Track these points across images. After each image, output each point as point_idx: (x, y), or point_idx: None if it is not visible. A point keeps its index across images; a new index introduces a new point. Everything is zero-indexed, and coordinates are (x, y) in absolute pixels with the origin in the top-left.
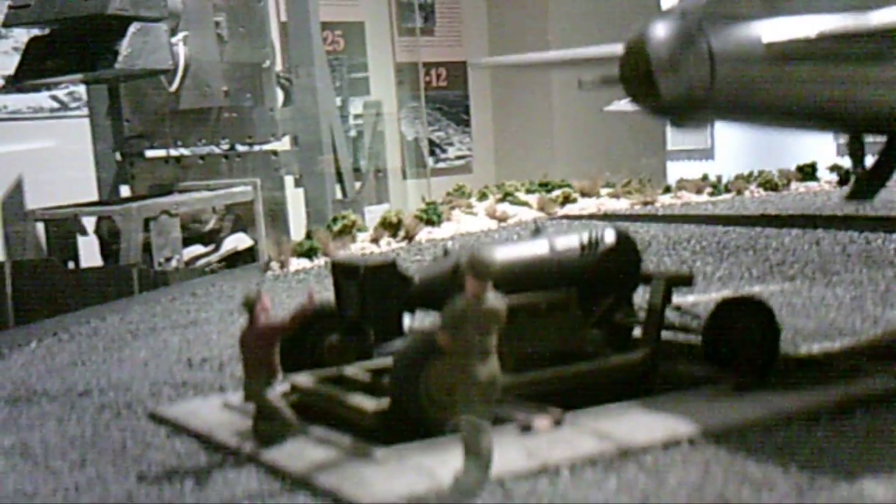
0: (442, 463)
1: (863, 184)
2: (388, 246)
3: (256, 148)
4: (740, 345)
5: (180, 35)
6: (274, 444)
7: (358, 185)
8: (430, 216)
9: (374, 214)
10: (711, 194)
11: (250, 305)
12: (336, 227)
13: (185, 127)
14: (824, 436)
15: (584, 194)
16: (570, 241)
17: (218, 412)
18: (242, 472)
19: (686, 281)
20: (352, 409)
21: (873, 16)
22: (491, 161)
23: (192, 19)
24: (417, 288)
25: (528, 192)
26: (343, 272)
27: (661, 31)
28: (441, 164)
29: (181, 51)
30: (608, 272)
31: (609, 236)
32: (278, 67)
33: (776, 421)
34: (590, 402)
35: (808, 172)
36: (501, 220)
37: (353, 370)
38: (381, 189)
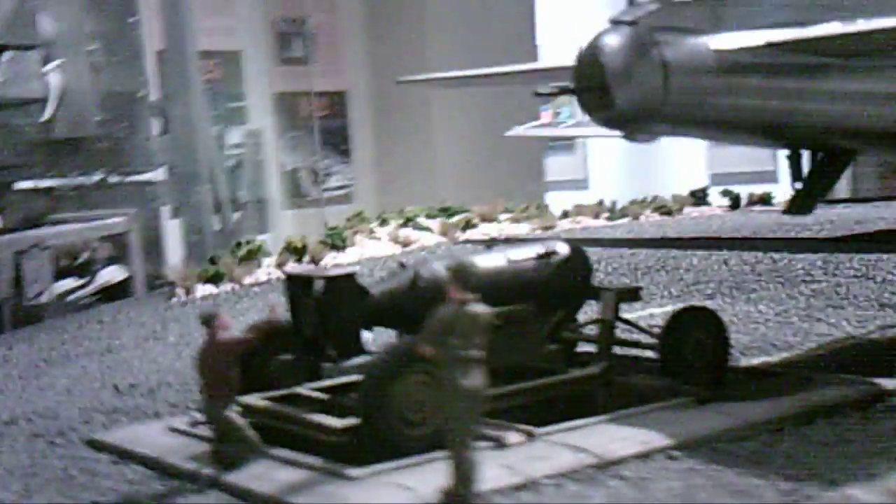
0: (421, 480)
1: (800, 198)
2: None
3: (131, 178)
4: (695, 355)
5: (53, 63)
6: (236, 466)
7: (237, 215)
8: (335, 241)
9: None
10: (608, 219)
11: (209, 322)
12: (240, 253)
13: (58, 157)
14: (791, 445)
15: (483, 219)
16: (525, 253)
17: (163, 437)
18: (208, 497)
19: (634, 294)
20: (315, 427)
21: (818, 28)
22: (373, 191)
23: (65, 47)
24: (375, 303)
25: (429, 217)
26: (298, 285)
27: (614, 40)
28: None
29: (53, 79)
30: (563, 286)
31: (562, 249)
32: (154, 96)
33: (743, 431)
34: (549, 416)
35: (700, 197)
36: (405, 244)
37: (307, 391)
38: (262, 219)
